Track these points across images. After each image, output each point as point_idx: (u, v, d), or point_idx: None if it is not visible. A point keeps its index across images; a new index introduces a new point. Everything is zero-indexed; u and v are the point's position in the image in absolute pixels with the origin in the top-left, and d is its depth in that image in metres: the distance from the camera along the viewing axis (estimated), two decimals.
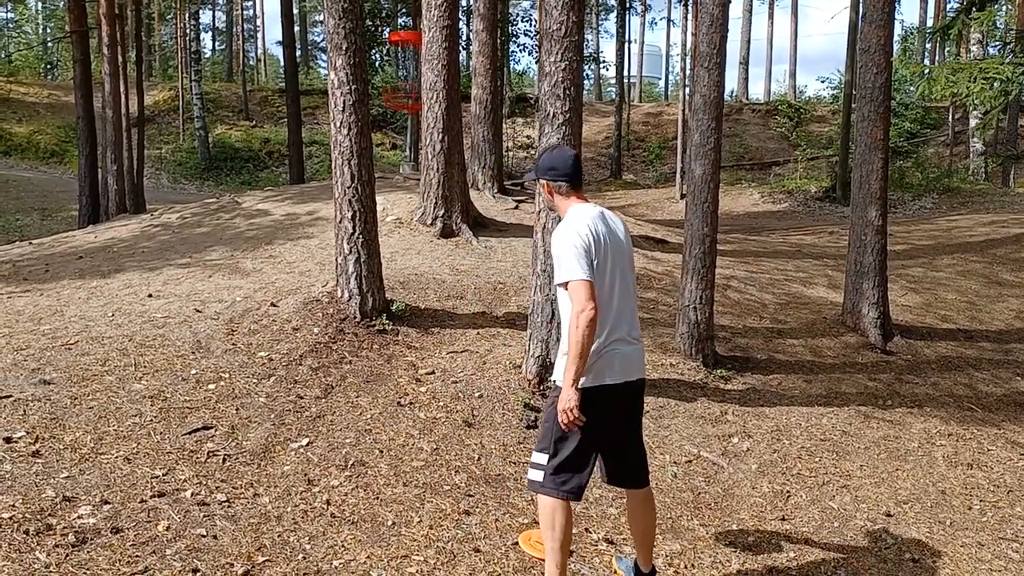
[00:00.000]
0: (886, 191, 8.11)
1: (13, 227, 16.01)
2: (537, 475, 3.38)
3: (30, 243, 10.87)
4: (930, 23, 33.99)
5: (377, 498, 4.23)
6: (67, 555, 3.32)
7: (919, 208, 19.14)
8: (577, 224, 3.36)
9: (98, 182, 16.22)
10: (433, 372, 5.92)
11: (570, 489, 3.35)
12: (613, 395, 3.38)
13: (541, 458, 3.37)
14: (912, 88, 28.40)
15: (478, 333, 6.78)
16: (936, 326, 8.65)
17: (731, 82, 41.28)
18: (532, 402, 5.65)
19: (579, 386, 3.25)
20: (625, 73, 30.85)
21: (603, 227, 3.42)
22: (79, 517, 3.59)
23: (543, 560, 3.82)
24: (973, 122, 22.61)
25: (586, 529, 4.31)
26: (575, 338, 3.18)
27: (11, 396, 4.61)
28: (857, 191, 8.21)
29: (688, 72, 20.83)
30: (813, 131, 28.83)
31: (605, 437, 3.44)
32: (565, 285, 3.27)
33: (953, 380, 7.39)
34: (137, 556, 3.38)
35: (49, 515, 3.56)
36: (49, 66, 44.48)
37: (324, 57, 48.67)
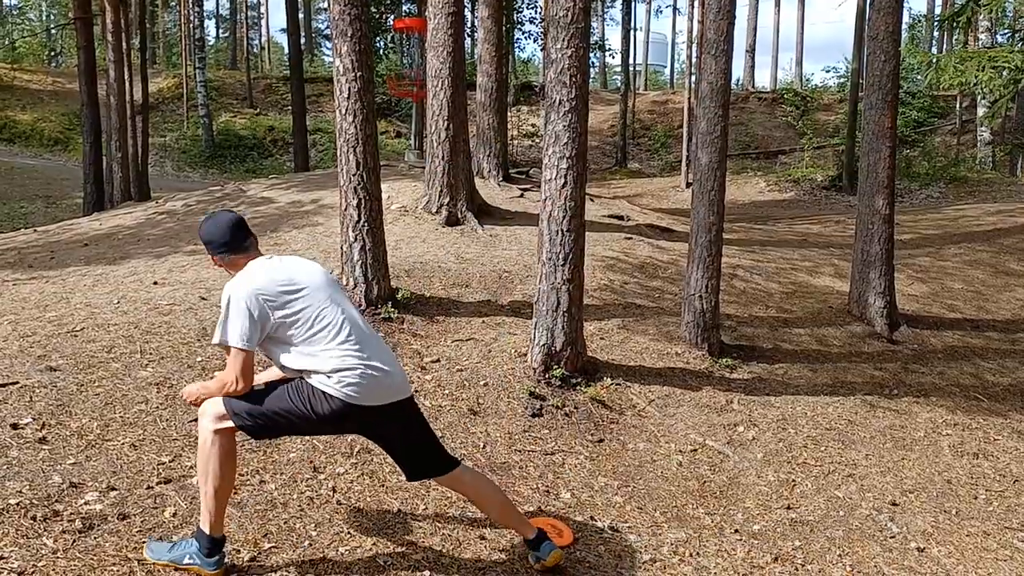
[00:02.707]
0: (894, 180, 8.08)
1: (18, 215, 16.04)
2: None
3: (35, 230, 10.88)
4: (938, 11, 33.80)
5: (383, 485, 4.23)
6: (74, 541, 3.33)
7: (926, 197, 19.08)
8: (251, 279, 3.18)
9: (103, 169, 16.22)
10: (438, 360, 5.92)
11: (243, 425, 3.25)
12: (365, 415, 3.28)
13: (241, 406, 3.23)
14: (919, 77, 28.22)
15: (483, 321, 6.78)
16: (943, 315, 8.63)
17: (737, 70, 41.16)
18: (537, 390, 5.65)
19: (332, 396, 3.17)
20: (631, 61, 30.74)
21: (289, 271, 3.29)
22: (86, 503, 3.60)
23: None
24: (981, 111, 22.48)
25: (591, 517, 4.32)
26: (221, 387, 3.21)
27: (18, 383, 4.62)
28: (864, 180, 8.17)
29: (694, 60, 20.73)
30: (819, 120, 28.70)
31: (382, 439, 3.45)
32: (223, 345, 3.15)
33: (959, 370, 7.37)
34: (144, 542, 3.38)
35: (56, 501, 3.57)
36: (53, 53, 44.43)
37: (328, 45, 48.53)
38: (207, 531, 3.23)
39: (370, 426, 3.39)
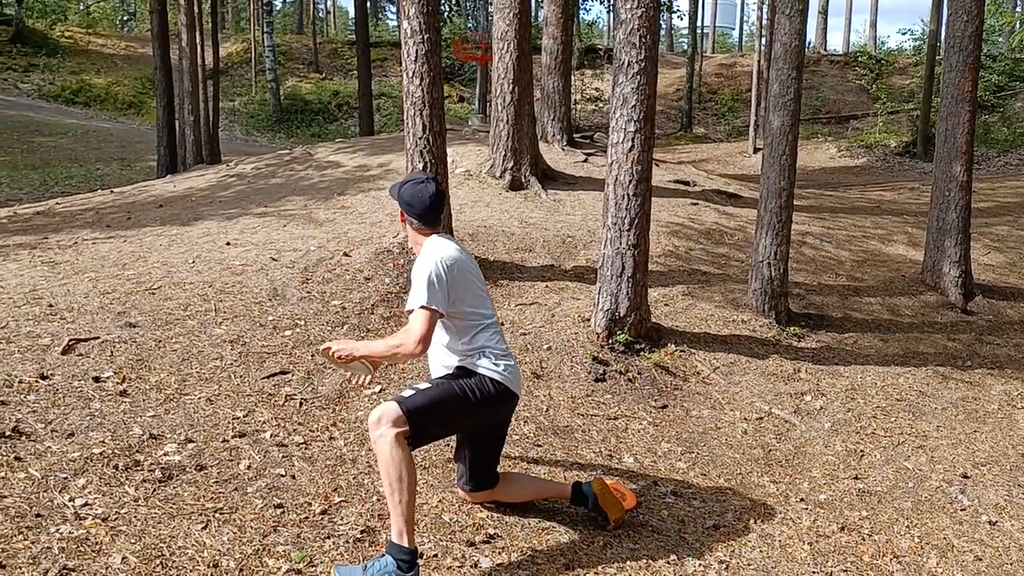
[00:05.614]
0: (972, 145, 7.81)
1: (94, 176, 16.49)
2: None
3: (111, 192, 11.20)
4: None
5: (448, 445, 4.29)
6: (154, 490, 3.46)
7: (1004, 164, 18.38)
8: (435, 254, 3.33)
9: (175, 133, 16.58)
10: (502, 324, 5.95)
11: (411, 431, 3.20)
12: (511, 403, 3.55)
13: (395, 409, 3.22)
14: (1001, 39, 27.07)
15: (547, 286, 6.79)
16: (1020, 286, 8.35)
17: (809, 32, 39.87)
18: (600, 356, 5.65)
19: (498, 382, 3.40)
20: (698, 23, 30.08)
21: (463, 256, 3.46)
22: (165, 454, 3.74)
23: (620, 510, 3.80)
24: None
25: (654, 482, 4.33)
26: (391, 349, 3.26)
27: (99, 338, 4.79)
28: (942, 145, 7.92)
29: (764, 22, 20.18)
30: (894, 84, 27.74)
31: (480, 435, 3.61)
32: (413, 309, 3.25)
33: None
34: (220, 492, 3.51)
35: (137, 452, 3.71)
36: (126, 18, 45.33)
37: (392, 8, 48.59)
38: (405, 544, 3.11)
39: (504, 414, 3.64)
